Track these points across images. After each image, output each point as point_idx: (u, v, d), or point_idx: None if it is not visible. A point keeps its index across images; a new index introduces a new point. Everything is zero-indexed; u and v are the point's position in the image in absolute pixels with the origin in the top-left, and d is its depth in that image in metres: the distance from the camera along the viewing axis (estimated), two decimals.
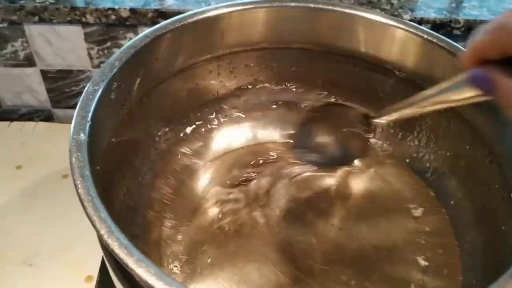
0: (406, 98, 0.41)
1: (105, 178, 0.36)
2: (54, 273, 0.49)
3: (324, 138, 0.50)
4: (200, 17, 0.45)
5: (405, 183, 0.50)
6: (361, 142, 0.49)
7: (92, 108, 0.35)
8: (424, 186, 0.49)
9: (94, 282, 0.48)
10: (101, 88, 0.37)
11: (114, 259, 0.28)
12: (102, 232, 0.28)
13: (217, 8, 0.45)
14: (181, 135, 0.51)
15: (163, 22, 0.43)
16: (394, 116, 0.43)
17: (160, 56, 0.44)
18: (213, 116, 0.53)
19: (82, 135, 0.33)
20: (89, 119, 0.35)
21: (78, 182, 0.31)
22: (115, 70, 0.38)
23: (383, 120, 0.45)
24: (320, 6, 0.48)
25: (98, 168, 0.34)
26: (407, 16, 0.59)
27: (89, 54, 0.62)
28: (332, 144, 0.50)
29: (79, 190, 0.30)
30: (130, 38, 0.61)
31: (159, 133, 0.48)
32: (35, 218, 0.54)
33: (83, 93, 0.36)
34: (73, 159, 0.32)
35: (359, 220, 0.47)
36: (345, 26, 0.49)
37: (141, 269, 0.27)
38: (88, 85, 0.37)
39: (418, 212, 0.48)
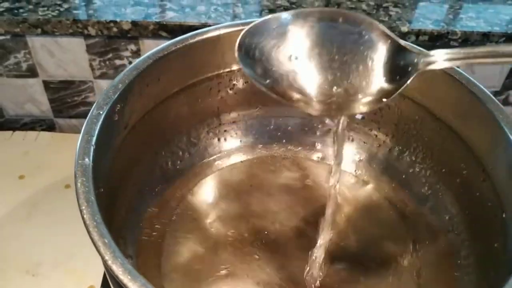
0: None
1: (107, 197, 0.37)
2: (57, 283, 0.49)
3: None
4: (201, 37, 0.46)
5: (401, 197, 0.51)
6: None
7: (96, 132, 0.36)
8: (419, 200, 0.50)
9: None
10: (105, 112, 0.37)
11: (118, 284, 0.29)
12: (107, 257, 0.29)
13: (217, 28, 0.46)
14: (182, 151, 0.52)
15: (165, 44, 0.44)
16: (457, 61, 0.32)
17: (162, 77, 0.45)
18: (214, 131, 0.54)
19: (86, 159, 0.34)
20: (93, 143, 0.35)
21: (83, 207, 0.31)
22: (118, 92, 0.39)
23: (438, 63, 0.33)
24: None
25: (102, 190, 0.35)
26: (404, 28, 0.60)
27: (90, 65, 0.63)
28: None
29: (85, 216, 0.31)
30: (132, 50, 0.61)
31: (161, 150, 0.49)
32: (38, 228, 0.54)
33: (88, 116, 0.37)
34: (79, 184, 0.33)
35: (352, 232, 0.48)
36: None
37: None
38: (92, 108, 0.38)
39: (412, 226, 0.49)
